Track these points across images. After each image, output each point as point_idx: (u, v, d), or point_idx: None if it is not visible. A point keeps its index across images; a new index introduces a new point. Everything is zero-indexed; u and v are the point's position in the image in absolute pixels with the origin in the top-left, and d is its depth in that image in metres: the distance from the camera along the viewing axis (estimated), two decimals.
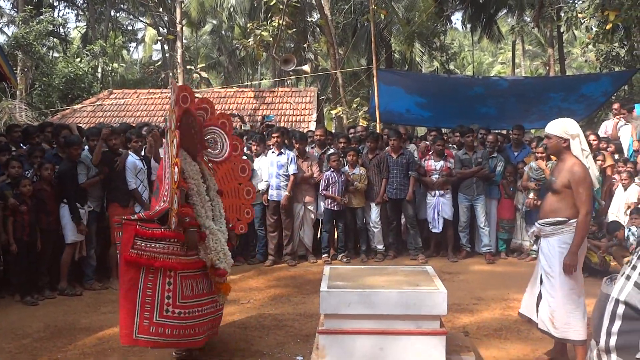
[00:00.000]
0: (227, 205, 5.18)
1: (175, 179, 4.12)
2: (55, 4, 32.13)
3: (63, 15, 33.17)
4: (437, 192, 8.47)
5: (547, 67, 28.45)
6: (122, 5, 32.03)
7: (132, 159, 7.29)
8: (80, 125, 12.73)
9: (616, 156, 8.96)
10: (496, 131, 10.71)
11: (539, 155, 8.24)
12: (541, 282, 4.43)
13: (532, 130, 22.00)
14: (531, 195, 7.85)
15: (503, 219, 8.65)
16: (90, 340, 5.14)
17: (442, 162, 8.51)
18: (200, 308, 4.40)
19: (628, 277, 1.82)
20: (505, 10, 26.22)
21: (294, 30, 19.51)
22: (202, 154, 4.84)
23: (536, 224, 4.51)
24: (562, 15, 12.73)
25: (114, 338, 5.04)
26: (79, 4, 33.13)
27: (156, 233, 4.25)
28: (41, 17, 23.30)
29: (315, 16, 24.53)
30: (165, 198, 4.30)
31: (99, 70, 25.22)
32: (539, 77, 29.08)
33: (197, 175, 4.53)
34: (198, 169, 4.60)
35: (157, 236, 4.24)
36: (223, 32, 31.14)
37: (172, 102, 4.33)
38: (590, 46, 14.70)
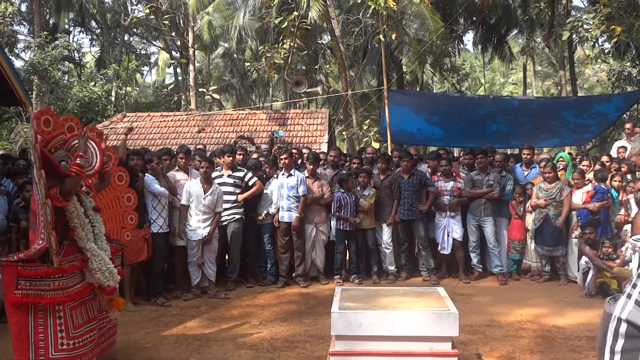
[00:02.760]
0: (110, 216, 5.40)
1: (50, 220, 4.18)
2: (70, 29, 32.65)
3: (78, 40, 33.72)
4: (447, 213, 8.45)
5: (558, 88, 28.39)
6: (135, 30, 32.46)
7: (149, 179, 7.39)
8: None
9: (629, 177, 8.91)
10: (507, 151, 10.73)
11: (547, 175, 8.25)
12: None
13: (545, 149, 21.96)
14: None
15: (514, 240, 8.61)
16: None
17: (452, 183, 8.51)
18: (92, 333, 4.51)
19: (629, 296, 1.82)
20: (515, 31, 26.30)
21: (305, 52, 19.66)
22: (72, 162, 4.68)
23: (631, 240, 4.55)
24: (567, 23, 12.72)
25: (127, 359, 5.08)
26: (93, 29, 33.63)
27: (40, 272, 4.23)
28: (56, 42, 23.67)
29: (326, 38, 24.71)
30: (42, 236, 4.30)
31: (113, 93, 25.50)
32: (550, 97, 29.08)
33: (74, 200, 4.54)
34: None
35: (40, 274, 4.23)
36: (235, 55, 31.43)
37: (32, 137, 4.32)
38: (599, 64, 14.70)
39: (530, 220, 8.48)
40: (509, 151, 16.77)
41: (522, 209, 8.55)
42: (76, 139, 4.71)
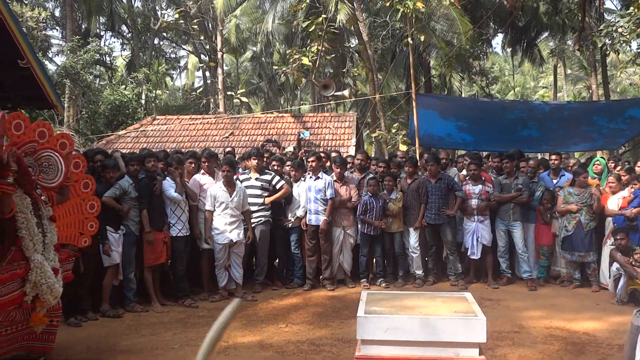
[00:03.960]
0: (69, 221, 5.52)
1: None
2: (102, 33, 33.19)
3: (109, 44, 34.25)
4: (476, 218, 8.37)
5: (590, 91, 27.99)
6: (165, 34, 32.85)
7: (169, 183, 7.44)
8: (124, 151, 13.04)
9: None
10: (538, 155, 10.57)
11: (582, 181, 8.12)
12: None
13: (576, 154, 21.62)
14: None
15: (542, 245, 8.49)
16: None
17: (480, 186, 8.42)
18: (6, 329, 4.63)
19: None
20: (546, 34, 25.98)
21: (333, 56, 19.69)
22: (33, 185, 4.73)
23: None
24: (601, 29, 12.51)
25: None
26: (124, 33, 34.13)
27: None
28: (88, 46, 24.07)
29: (354, 42, 24.72)
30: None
31: (143, 97, 25.83)
32: (581, 101, 28.63)
33: (27, 209, 4.55)
34: (29, 202, 4.60)
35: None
36: (263, 58, 31.62)
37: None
38: (634, 68, 14.46)
39: (557, 226, 8.35)
40: (539, 156, 16.57)
41: (549, 215, 8.43)
42: (46, 152, 4.81)
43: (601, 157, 10.12)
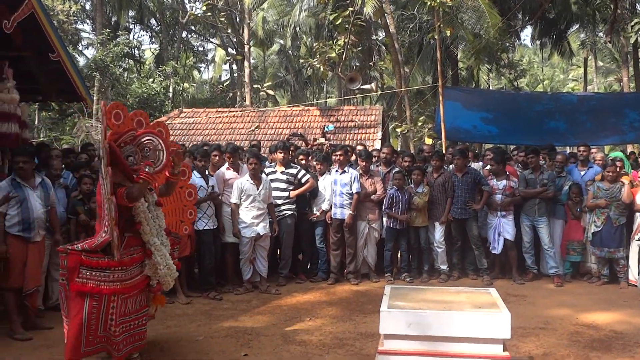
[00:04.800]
0: (170, 209, 5.58)
1: (113, 215, 4.38)
2: (131, 27, 33.52)
3: (138, 37, 34.58)
4: (499, 213, 8.28)
5: (621, 84, 27.47)
6: (193, 27, 33.04)
7: (194, 177, 7.48)
8: None
9: None
10: (567, 149, 10.43)
11: (610, 175, 7.98)
12: None
13: (606, 147, 21.26)
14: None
15: (573, 241, 8.35)
16: (156, 355, 5.26)
17: (505, 181, 8.32)
18: (133, 323, 4.73)
19: None
20: (576, 26, 25.52)
21: (360, 49, 19.63)
22: (141, 169, 4.74)
23: None
24: (634, 24, 12.25)
25: (179, 351, 5.19)
26: (153, 27, 34.42)
27: (101, 263, 4.49)
28: (118, 39, 24.33)
29: (381, 35, 24.60)
30: (106, 229, 4.51)
31: (171, 90, 26.04)
32: (611, 93, 28.14)
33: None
34: None
35: (102, 266, 4.48)
36: (290, 51, 31.64)
37: (101, 132, 4.56)
38: None
39: (587, 220, 8.22)
40: (567, 149, 16.35)
41: (579, 209, 8.30)
42: (147, 136, 4.87)
43: (620, 151, 9.90)
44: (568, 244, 8.38)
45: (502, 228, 8.24)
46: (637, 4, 22.44)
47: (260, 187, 7.71)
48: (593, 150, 9.93)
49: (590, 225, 8.07)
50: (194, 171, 7.56)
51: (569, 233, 8.42)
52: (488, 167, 8.96)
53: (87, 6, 31.71)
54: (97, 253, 4.50)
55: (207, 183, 7.62)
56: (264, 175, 8.00)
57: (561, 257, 8.44)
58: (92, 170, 7.43)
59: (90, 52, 30.71)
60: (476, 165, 9.14)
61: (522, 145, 9.63)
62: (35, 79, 8.63)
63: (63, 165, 7.48)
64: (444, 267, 8.41)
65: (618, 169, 8.23)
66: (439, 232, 8.34)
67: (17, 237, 5.88)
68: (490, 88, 31.76)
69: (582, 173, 8.74)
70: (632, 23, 12.44)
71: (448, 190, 8.31)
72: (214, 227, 7.68)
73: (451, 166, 8.86)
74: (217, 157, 8.14)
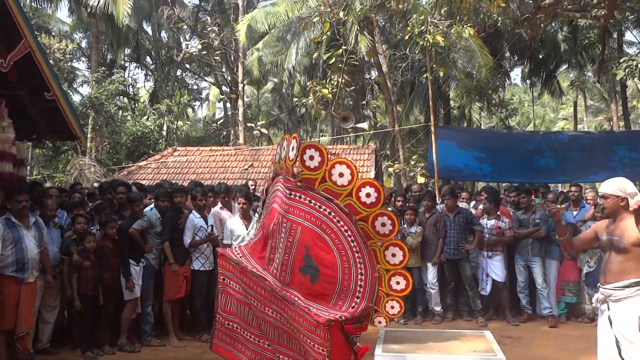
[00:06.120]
0: None
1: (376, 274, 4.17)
2: (126, 64, 33.79)
3: (133, 75, 34.84)
4: (485, 253, 8.30)
5: (611, 123, 27.82)
6: (188, 66, 33.33)
7: (193, 217, 7.47)
8: (144, 182, 13.17)
9: None
10: (558, 187, 10.49)
11: (598, 216, 8.02)
12: (619, 351, 4.17)
13: (597, 184, 21.39)
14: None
15: (568, 281, 8.33)
16: None
17: (494, 221, 8.35)
18: None
19: None
20: (565, 66, 25.96)
21: (353, 88, 19.81)
22: None
23: (602, 288, 4.32)
24: (622, 62, 12.47)
25: None
26: (148, 65, 34.70)
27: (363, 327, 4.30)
28: (113, 77, 24.50)
29: (374, 74, 24.86)
30: (359, 295, 4.25)
31: (165, 128, 26.16)
32: (601, 131, 28.46)
33: None
34: None
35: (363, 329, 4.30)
36: (284, 90, 31.91)
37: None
38: None
39: (583, 260, 8.22)
40: (559, 187, 16.45)
41: None
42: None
43: None
44: (563, 285, 8.37)
45: (489, 269, 8.25)
46: (623, 44, 22.88)
47: (250, 227, 7.66)
48: (587, 189, 10.00)
49: (584, 265, 8.08)
50: (193, 211, 7.56)
51: (564, 273, 8.40)
52: (481, 206, 9.00)
53: (84, 44, 32.03)
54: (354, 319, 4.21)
55: (206, 223, 7.61)
56: (254, 215, 7.97)
57: (556, 298, 8.42)
58: (85, 210, 7.43)
59: (85, 90, 30.93)
60: (464, 206, 9.16)
61: (513, 186, 9.68)
62: (30, 117, 8.68)
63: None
64: (437, 308, 8.37)
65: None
66: (431, 273, 8.32)
67: (10, 278, 5.85)
68: (482, 127, 32.04)
69: (575, 213, 8.77)
70: (621, 61, 12.66)
71: (440, 230, 8.33)
72: (210, 269, 7.53)
73: (441, 206, 8.89)
74: (212, 198, 8.16)
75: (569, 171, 13.02)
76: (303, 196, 4.28)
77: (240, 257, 4.58)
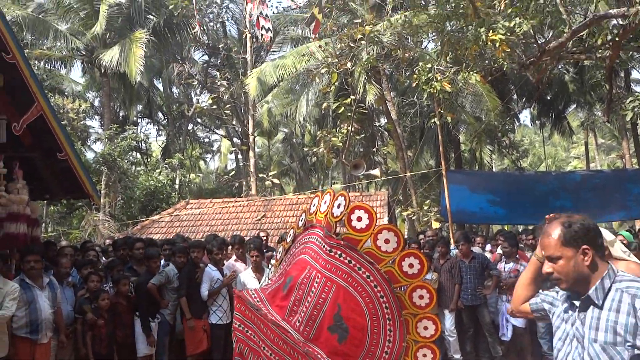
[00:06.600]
0: None
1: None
2: (138, 121, 34.33)
3: (145, 130, 35.38)
4: (504, 297, 8.18)
5: (623, 161, 27.68)
6: (199, 119, 33.80)
7: (209, 269, 7.46)
8: (157, 235, 13.21)
9: None
10: None
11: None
12: None
13: (614, 223, 21.17)
14: None
15: None
16: None
17: (512, 264, 8.26)
18: None
19: None
20: (574, 106, 26.02)
21: (363, 135, 19.95)
22: None
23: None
24: (628, 102, 12.47)
25: None
26: (160, 120, 35.24)
27: None
28: (125, 133, 24.87)
29: (383, 121, 25.05)
30: (386, 357, 4.20)
31: (177, 181, 26.36)
32: (613, 169, 28.32)
33: None
34: None
35: None
36: (294, 139, 32.20)
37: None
38: None
39: None
40: None
41: None
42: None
43: (627, 231, 9.84)
44: None
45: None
46: (631, 83, 22.94)
47: (262, 279, 7.58)
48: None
49: None
50: (209, 264, 7.55)
51: None
52: (499, 250, 8.92)
53: (96, 102, 32.64)
54: None
55: (222, 275, 7.59)
56: (267, 268, 7.92)
57: None
58: (96, 268, 7.44)
59: (98, 147, 31.35)
60: (479, 251, 9.07)
61: (530, 229, 9.58)
62: (43, 177, 8.79)
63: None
64: (457, 356, 8.21)
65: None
66: (449, 320, 8.19)
67: (24, 339, 5.84)
68: (494, 169, 32.00)
69: None
70: (627, 101, 12.66)
71: (455, 276, 8.24)
72: (227, 322, 7.41)
73: (454, 251, 8.81)
74: (225, 252, 8.17)
75: (586, 211, 12.83)
76: (344, 255, 4.25)
77: (257, 301, 4.50)
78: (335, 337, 4.17)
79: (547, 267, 2.67)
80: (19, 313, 5.83)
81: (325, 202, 4.45)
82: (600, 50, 11.33)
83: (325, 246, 4.29)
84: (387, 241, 4.23)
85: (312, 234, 4.50)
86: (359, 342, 4.14)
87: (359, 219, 4.25)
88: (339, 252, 4.25)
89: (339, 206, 4.30)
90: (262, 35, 18.82)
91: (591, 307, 2.56)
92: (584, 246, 2.60)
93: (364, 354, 4.14)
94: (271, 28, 18.56)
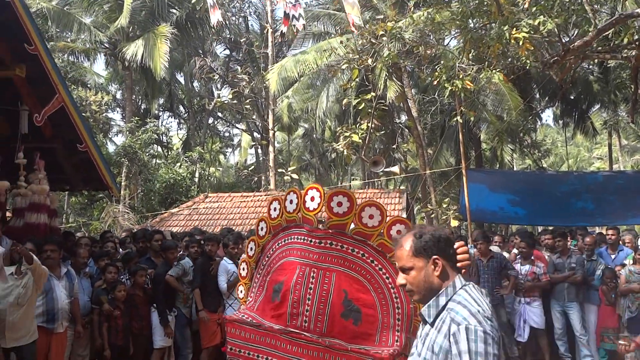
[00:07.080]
0: None
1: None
2: (160, 114, 34.55)
3: (166, 124, 35.58)
4: (522, 299, 8.08)
5: None
6: (220, 114, 33.92)
7: (225, 262, 7.46)
8: (176, 228, 13.27)
9: None
10: (596, 229, 10.23)
11: (638, 258, 7.78)
12: None
13: (637, 227, 20.85)
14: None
15: (608, 328, 8.03)
16: None
17: (528, 266, 8.16)
18: None
19: None
20: (598, 106, 25.64)
21: (383, 132, 19.87)
22: None
23: None
24: None
25: None
26: (181, 114, 35.42)
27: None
28: (146, 126, 25.04)
29: (403, 118, 24.93)
30: (399, 323, 4.14)
31: (197, 175, 26.48)
32: (636, 170, 27.90)
33: None
34: None
35: None
36: (314, 135, 32.17)
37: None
38: None
39: (622, 306, 7.93)
40: (596, 230, 16.05)
41: (613, 295, 8.04)
42: None
43: None
44: (602, 331, 8.06)
45: (527, 315, 8.02)
46: None
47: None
48: (624, 231, 9.74)
49: (625, 311, 7.79)
50: (225, 258, 7.56)
51: (603, 320, 8.11)
52: (515, 250, 8.81)
53: (118, 95, 32.92)
54: None
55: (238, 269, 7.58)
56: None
57: (596, 345, 8.12)
58: (113, 260, 7.49)
59: (120, 139, 31.61)
60: (498, 250, 8.98)
61: (548, 229, 9.46)
62: (63, 168, 8.87)
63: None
64: None
65: None
66: None
67: (40, 328, 5.87)
68: (515, 168, 31.72)
69: (613, 257, 8.54)
70: None
71: (472, 275, 8.15)
72: None
73: (473, 250, 8.72)
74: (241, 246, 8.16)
75: (608, 214, 12.70)
76: (334, 242, 4.27)
77: (251, 321, 4.48)
78: (351, 322, 4.19)
79: (401, 279, 2.65)
80: (36, 302, 5.88)
81: (293, 202, 4.45)
82: (625, 50, 11.12)
83: (314, 240, 4.31)
84: (371, 217, 4.23)
85: (291, 234, 4.50)
86: (373, 319, 4.16)
87: (339, 204, 4.25)
88: (329, 241, 4.26)
89: (312, 199, 4.32)
90: (293, 26, 18.58)
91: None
92: (434, 257, 2.56)
93: (380, 327, 4.15)
94: (302, 14, 18.34)
